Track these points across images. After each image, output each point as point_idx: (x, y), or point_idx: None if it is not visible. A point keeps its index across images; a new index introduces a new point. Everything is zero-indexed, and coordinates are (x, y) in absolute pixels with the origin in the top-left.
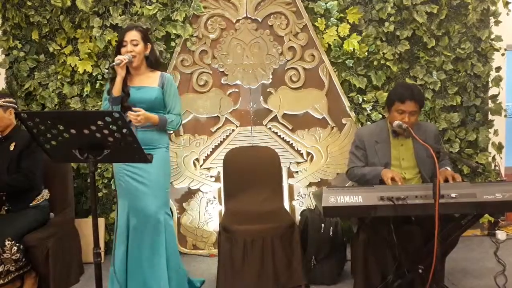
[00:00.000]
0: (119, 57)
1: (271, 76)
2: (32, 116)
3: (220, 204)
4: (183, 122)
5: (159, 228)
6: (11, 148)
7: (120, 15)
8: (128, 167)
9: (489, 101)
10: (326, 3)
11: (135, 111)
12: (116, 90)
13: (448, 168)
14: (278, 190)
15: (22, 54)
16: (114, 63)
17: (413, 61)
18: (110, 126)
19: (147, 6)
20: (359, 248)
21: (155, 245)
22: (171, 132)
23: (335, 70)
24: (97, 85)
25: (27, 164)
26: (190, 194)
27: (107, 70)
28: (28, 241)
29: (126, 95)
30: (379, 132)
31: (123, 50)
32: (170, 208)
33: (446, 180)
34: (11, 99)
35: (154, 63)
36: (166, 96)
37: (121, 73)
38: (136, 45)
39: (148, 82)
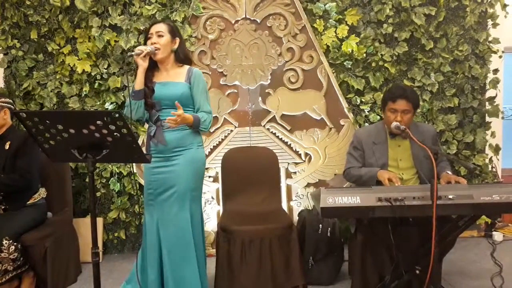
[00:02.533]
0: (139, 47)
1: (269, 77)
2: (31, 116)
3: (218, 204)
4: None
5: (189, 232)
6: (6, 147)
7: (119, 15)
8: (156, 169)
9: (487, 103)
10: (325, 5)
11: (174, 115)
12: (138, 83)
13: (449, 172)
14: (276, 190)
15: (20, 53)
16: (133, 53)
17: (411, 62)
18: (109, 126)
19: (146, 6)
20: (357, 248)
21: (186, 250)
22: (204, 130)
23: (334, 71)
24: (96, 85)
25: (23, 163)
26: None
27: (131, 56)
28: (26, 241)
29: (150, 91)
30: (377, 133)
31: (148, 42)
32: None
33: (449, 183)
34: (7, 99)
35: (183, 58)
36: (194, 92)
37: (142, 65)
38: (161, 36)
39: (175, 78)
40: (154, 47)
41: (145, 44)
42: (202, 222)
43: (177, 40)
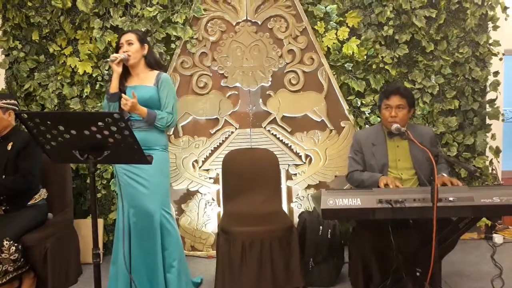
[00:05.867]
0: (114, 54)
1: (270, 79)
2: (33, 117)
3: (219, 205)
4: (183, 123)
5: (155, 228)
6: (9, 147)
7: (121, 17)
8: (126, 166)
9: (487, 106)
10: (325, 7)
11: (127, 99)
12: (112, 87)
13: (445, 175)
14: (276, 192)
15: (22, 54)
16: (108, 59)
17: (412, 65)
18: (111, 127)
19: (148, 8)
20: (357, 250)
21: (151, 244)
22: (160, 127)
23: (334, 73)
24: (97, 86)
25: (25, 164)
26: (188, 195)
27: (107, 63)
28: (27, 241)
29: (123, 93)
30: (376, 134)
31: (120, 51)
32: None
33: (444, 185)
34: (13, 101)
35: (153, 63)
36: (160, 95)
37: (116, 70)
38: (131, 44)
39: (145, 81)
40: (126, 54)
41: (117, 52)
42: (174, 219)
43: (146, 46)
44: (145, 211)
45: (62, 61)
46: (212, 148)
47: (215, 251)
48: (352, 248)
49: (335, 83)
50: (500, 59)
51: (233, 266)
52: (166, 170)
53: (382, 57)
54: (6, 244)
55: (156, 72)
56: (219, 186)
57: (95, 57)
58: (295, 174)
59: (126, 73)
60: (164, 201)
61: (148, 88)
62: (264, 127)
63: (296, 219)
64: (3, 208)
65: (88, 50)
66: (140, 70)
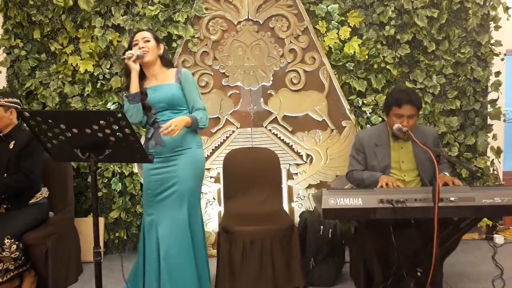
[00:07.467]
0: (129, 51)
1: (271, 78)
2: (34, 115)
3: (220, 205)
4: None
5: (187, 232)
6: (11, 146)
7: (122, 15)
8: (154, 170)
9: (488, 106)
10: (327, 6)
11: (166, 127)
12: (133, 87)
13: (447, 174)
14: (277, 191)
15: (23, 53)
16: (124, 57)
17: (413, 65)
18: (112, 125)
19: (149, 7)
20: (358, 250)
21: (184, 250)
22: (204, 127)
23: (336, 73)
24: (98, 85)
25: (27, 163)
26: None
27: (121, 58)
28: (28, 240)
29: (144, 95)
30: (379, 135)
31: (135, 48)
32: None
33: (446, 185)
34: (15, 100)
35: (169, 63)
36: (186, 92)
37: (135, 68)
38: (148, 41)
39: (164, 80)
40: (142, 51)
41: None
42: (202, 222)
43: (162, 46)
44: (174, 217)
45: (64, 60)
46: (213, 147)
47: (215, 250)
48: (353, 248)
49: (336, 82)
50: (502, 59)
51: (234, 265)
52: (199, 171)
53: (383, 56)
54: (7, 242)
55: (174, 69)
56: (220, 185)
57: (97, 56)
58: (296, 174)
59: (142, 76)
60: (194, 205)
61: (170, 85)
62: (265, 127)
63: (297, 219)
64: (5, 206)
65: (90, 48)
66: (157, 71)
